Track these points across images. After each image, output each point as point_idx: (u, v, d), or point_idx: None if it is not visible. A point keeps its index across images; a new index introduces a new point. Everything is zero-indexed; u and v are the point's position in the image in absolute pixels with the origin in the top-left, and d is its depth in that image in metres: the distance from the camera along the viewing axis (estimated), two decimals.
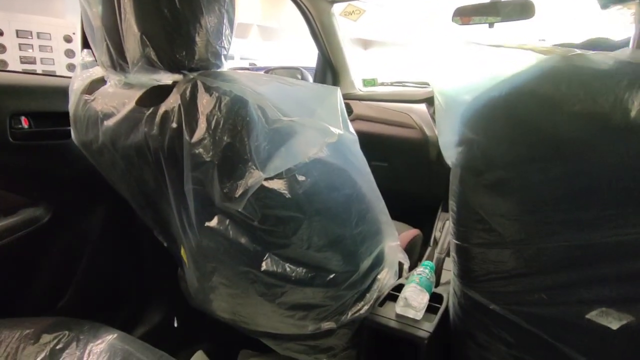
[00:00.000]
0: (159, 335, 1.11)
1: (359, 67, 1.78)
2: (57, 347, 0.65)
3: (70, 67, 4.63)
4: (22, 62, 4.32)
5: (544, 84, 0.44)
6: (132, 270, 1.08)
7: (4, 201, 0.83)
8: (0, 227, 0.80)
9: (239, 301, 0.73)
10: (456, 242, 0.62)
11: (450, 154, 0.55)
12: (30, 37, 4.35)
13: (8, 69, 4.18)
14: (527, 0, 1.26)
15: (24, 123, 0.81)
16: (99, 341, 0.67)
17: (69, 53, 4.61)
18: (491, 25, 1.32)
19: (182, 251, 0.78)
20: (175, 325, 1.18)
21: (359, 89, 1.74)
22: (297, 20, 1.62)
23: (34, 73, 0.88)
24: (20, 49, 4.30)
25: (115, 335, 0.68)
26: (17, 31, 4.25)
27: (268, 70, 1.81)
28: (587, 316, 0.51)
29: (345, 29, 1.65)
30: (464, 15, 1.44)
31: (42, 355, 0.64)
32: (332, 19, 1.58)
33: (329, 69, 1.70)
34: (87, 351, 0.65)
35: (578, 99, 0.42)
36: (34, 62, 4.40)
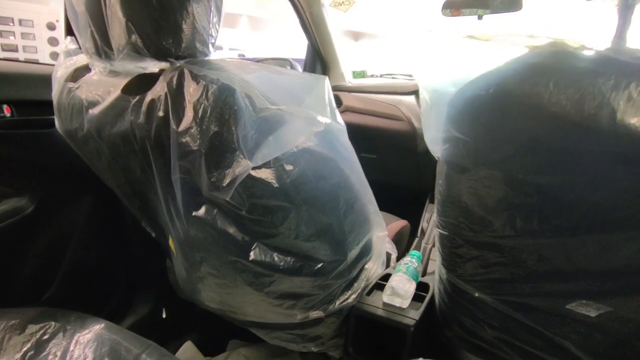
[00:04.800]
0: (147, 327, 1.11)
1: (349, 59, 1.77)
2: (44, 338, 0.65)
3: (54, 55, 4.51)
4: (3, 50, 4.20)
5: (530, 83, 0.43)
6: (120, 262, 1.07)
7: None
8: None
9: (227, 291, 0.74)
10: (441, 232, 0.63)
11: (436, 149, 0.56)
12: (11, 24, 4.22)
13: None
14: None
15: (6, 111, 0.79)
16: (86, 331, 0.66)
17: (53, 41, 4.48)
18: (480, 17, 1.33)
19: (170, 241, 0.78)
20: (164, 316, 1.18)
21: (349, 81, 1.74)
22: (287, 10, 1.60)
23: (16, 60, 0.86)
24: (1, 36, 4.18)
25: (103, 325, 0.68)
26: None
27: (257, 62, 1.79)
28: (568, 306, 0.53)
29: (335, 21, 1.64)
30: (453, 7, 1.45)
31: (28, 345, 0.64)
32: (321, 9, 1.57)
33: (319, 61, 1.69)
34: (73, 341, 0.65)
35: (565, 99, 0.41)
36: (16, 50, 4.27)
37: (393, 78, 1.81)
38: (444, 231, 0.62)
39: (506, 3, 1.31)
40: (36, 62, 0.97)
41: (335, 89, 1.68)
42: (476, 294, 0.63)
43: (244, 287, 0.69)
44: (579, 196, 0.44)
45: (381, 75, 1.89)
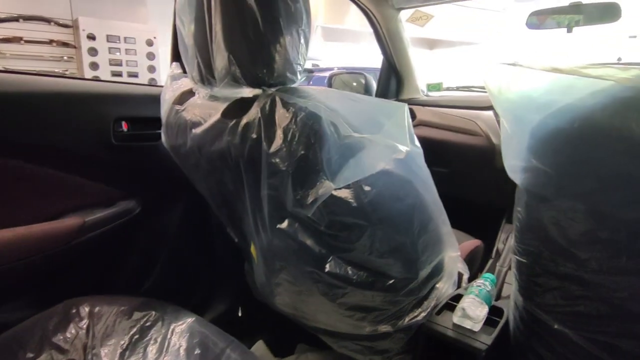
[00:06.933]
0: (224, 323, 1.21)
1: (423, 69, 1.77)
2: (146, 325, 0.75)
3: (151, 68, 5.07)
4: (110, 64, 4.81)
5: (621, 117, 0.42)
6: (204, 262, 1.19)
7: (106, 194, 0.96)
8: (101, 217, 0.94)
9: (302, 298, 0.79)
10: (519, 259, 0.62)
11: (516, 177, 0.55)
12: (118, 41, 4.83)
13: (98, 70, 4.69)
14: (613, 2, 1.18)
15: (124, 127, 0.93)
16: (180, 322, 0.76)
17: (150, 56, 5.05)
18: (570, 29, 1.25)
19: (252, 248, 0.85)
20: (239, 315, 1.27)
21: (424, 93, 1.73)
22: (360, 22, 1.64)
23: (131, 83, 1.01)
24: (109, 52, 4.79)
25: (194, 318, 0.77)
26: (107, 36, 4.74)
27: (332, 75, 1.86)
28: None
29: (409, 29, 1.64)
30: (541, 14, 1.38)
31: (134, 330, 0.74)
32: (398, 25, 1.59)
33: (393, 74, 1.71)
34: (170, 330, 0.74)
35: None
36: (120, 64, 4.88)
37: (471, 91, 1.77)
38: (522, 258, 0.61)
39: (601, 12, 1.22)
40: (145, 84, 1.13)
41: (409, 102, 1.68)
42: (556, 326, 0.60)
43: (318, 297, 0.73)
44: None
45: (457, 88, 1.85)
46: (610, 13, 1.20)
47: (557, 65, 0.47)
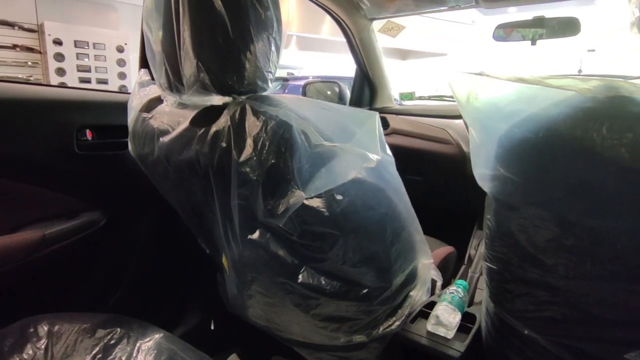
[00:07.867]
0: (196, 337, 1.17)
1: (396, 79, 1.80)
2: (110, 343, 0.72)
3: (121, 75, 4.94)
4: (78, 70, 4.66)
5: (582, 128, 0.43)
6: (174, 274, 1.15)
7: (68, 205, 0.91)
8: (63, 229, 0.89)
9: (274, 310, 0.77)
10: (489, 265, 0.62)
11: (485, 185, 0.56)
12: (86, 47, 4.69)
13: (65, 76, 4.54)
14: (573, 18, 1.24)
15: (88, 135, 0.89)
16: (147, 339, 0.72)
17: (121, 62, 4.93)
18: (534, 42, 1.31)
19: (223, 259, 0.83)
20: (212, 328, 1.23)
21: (397, 102, 1.76)
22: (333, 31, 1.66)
23: (96, 90, 0.97)
24: (77, 58, 4.64)
25: (162, 334, 0.73)
26: (75, 41, 4.59)
27: (307, 84, 1.86)
28: (626, 356, 0.51)
29: (382, 39, 1.67)
30: (506, 27, 1.43)
31: (97, 349, 0.70)
32: (371, 35, 1.61)
33: (367, 83, 1.72)
34: (136, 348, 0.71)
35: (620, 144, 0.41)
36: (89, 70, 4.74)
37: (442, 100, 1.81)
38: (492, 265, 0.62)
39: (562, 27, 1.28)
40: (112, 91, 1.09)
41: (382, 111, 1.70)
42: (526, 332, 0.61)
43: (291, 308, 0.72)
44: (635, 244, 0.43)
45: (429, 97, 1.89)
46: (570, 27, 1.26)
47: (522, 75, 0.48)
